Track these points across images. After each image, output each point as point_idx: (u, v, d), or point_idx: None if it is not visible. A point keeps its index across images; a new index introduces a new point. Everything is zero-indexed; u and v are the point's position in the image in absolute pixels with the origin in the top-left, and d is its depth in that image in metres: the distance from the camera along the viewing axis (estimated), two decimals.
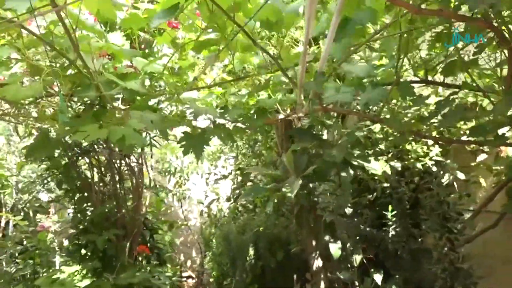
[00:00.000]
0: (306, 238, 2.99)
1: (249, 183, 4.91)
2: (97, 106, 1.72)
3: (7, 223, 4.41)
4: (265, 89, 1.54)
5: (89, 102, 1.77)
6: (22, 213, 4.48)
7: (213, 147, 5.38)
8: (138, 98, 1.65)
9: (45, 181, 3.06)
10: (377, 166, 2.24)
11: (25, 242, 3.31)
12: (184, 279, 5.50)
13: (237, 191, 5.13)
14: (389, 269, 2.36)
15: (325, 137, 2.54)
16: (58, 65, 1.49)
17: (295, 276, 3.06)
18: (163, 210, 4.90)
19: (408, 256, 2.28)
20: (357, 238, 2.50)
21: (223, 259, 4.15)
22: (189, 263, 6.19)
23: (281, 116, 2.01)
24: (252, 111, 1.73)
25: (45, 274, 2.80)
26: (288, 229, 3.52)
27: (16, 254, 3.21)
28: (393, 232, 2.28)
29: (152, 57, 1.69)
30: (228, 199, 5.02)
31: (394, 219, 2.29)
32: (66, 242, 3.70)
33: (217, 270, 4.37)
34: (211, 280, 5.40)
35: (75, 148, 2.60)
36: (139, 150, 2.75)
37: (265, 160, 4.13)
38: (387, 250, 2.31)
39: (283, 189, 2.58)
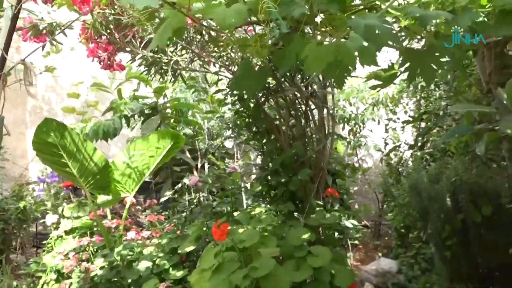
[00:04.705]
0: None
1: (435, 130, 4.33)
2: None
3: (202, 166, 5.00)
4: None
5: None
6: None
7: (393, 88, 4.89)
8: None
9: (235, 125, 3.20)
10: None
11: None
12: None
13: (420, 138, 4.61)
14: None
15: None
16: None
17: None
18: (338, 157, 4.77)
19: None
20: None
21: (409, 210, 3.80)
22: None
23: None
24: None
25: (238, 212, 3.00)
26: (495, 180, 2.93)
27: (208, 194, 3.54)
28: None
29: None
30: (411, 147, 4.55)
31: None
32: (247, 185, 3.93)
33: (399, 221, 4.05)
34: (390, 232, 5.12)
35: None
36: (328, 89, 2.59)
37: (463, 100, 3.49)
38: None
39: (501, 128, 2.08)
